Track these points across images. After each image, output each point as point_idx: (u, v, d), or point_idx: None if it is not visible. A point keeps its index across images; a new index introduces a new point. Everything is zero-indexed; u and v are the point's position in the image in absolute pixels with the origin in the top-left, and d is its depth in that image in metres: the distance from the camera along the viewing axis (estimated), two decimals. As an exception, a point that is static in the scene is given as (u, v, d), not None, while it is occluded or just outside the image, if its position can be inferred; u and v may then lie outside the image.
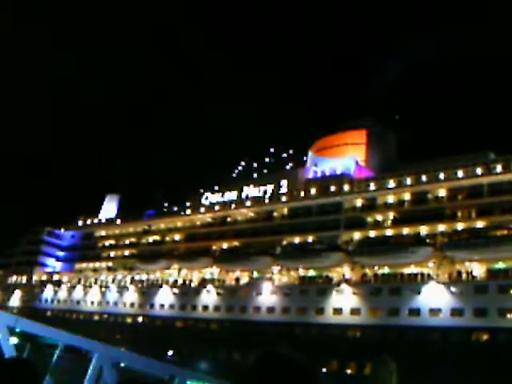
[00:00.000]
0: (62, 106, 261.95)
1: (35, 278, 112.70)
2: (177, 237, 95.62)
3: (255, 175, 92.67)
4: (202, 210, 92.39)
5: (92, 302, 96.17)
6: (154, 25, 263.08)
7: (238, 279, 79.73)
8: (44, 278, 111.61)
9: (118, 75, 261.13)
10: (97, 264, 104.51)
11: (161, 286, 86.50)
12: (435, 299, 57.88)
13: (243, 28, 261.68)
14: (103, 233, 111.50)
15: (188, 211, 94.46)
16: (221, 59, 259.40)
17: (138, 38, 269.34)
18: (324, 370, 56.97)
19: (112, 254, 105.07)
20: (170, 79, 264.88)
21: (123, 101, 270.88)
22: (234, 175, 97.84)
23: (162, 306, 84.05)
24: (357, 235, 71.40)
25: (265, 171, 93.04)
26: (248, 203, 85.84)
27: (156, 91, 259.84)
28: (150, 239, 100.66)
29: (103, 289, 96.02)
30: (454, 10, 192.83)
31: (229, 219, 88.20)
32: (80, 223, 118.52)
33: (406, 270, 64.41)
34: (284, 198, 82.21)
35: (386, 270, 66.23)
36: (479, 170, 64.82)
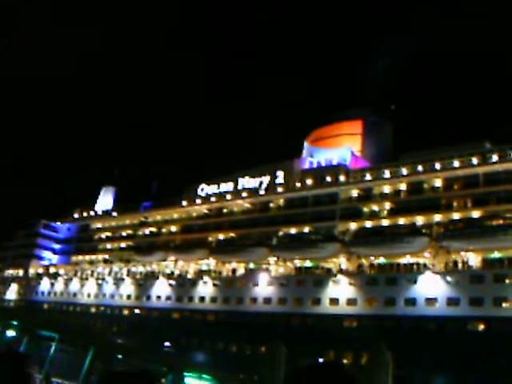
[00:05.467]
0: (61, 99, 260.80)
1: (31, 270, 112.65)
2: (173, 228, 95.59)
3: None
4: (198, 201, 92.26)
5: (88, 295, 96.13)
6: (153, 24, 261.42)
7: (234, 270, 79.82)
8: (40, 270, 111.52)
9: (117, 69, 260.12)
10: (93, 256, 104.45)
11: (157, 278, 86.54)
12: (431, 289, 58.01)
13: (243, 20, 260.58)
14: (99, 225, 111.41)
15: (184, 203, 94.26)
16: (221, 50, 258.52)
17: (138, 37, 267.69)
18: (321, 360, 57.07)
19: (108, 246, 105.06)
20: (168, 75, 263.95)
21: (122, 95, 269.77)
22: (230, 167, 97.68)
23: (159, 297, 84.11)
24: (353, 226, 71.49)
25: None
26: (244, 194, 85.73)
27: (154, 86, 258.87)
28: (147, 231, 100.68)
29: (100, 281, 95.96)
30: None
31: (225, 210, 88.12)
32: (76, 216, 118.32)
33: (402, 260, 64.52)
34: (280, 189, 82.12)
35: (382, 260, 66.29)
36: (475, 160, 64.83)
